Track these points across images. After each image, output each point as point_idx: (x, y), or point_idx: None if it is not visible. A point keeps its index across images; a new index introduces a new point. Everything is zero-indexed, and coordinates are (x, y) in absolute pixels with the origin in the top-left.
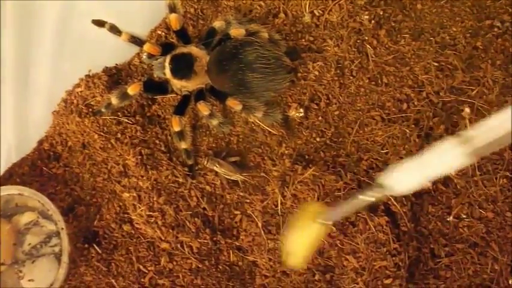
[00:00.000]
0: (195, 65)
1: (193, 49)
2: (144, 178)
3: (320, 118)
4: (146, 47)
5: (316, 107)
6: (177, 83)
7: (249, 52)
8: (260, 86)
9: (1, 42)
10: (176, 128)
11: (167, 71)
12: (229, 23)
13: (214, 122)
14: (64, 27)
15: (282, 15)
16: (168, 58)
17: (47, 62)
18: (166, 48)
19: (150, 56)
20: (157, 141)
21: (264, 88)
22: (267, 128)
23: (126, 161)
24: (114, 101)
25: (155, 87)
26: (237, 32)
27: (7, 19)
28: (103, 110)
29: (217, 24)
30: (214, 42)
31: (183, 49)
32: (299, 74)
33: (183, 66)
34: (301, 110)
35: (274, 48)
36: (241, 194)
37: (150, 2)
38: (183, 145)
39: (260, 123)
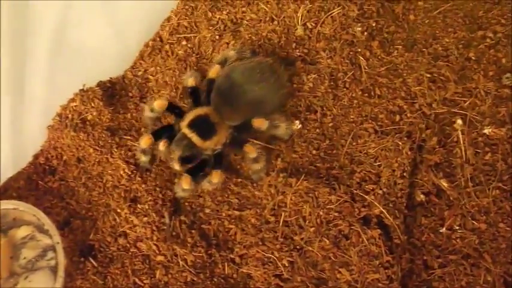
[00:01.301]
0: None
1: (202, 109)
2: (139, 192)
3: (317, 130)
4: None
5: (313, 119)
6: (208, 145)
7: (236, 74)
8: (266, 91)
9: None
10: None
11: (195, 138)
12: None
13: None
14: (58, 41)
15: (274, 27)
16: (186, 127)
17: (42, 76)
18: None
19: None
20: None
21: (270, 90)
22: (265, 145)
23: (121, 175)
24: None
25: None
26: (214, 71)
27: (2, 32)
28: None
29: (213, 73)
30: (205, 93)
31: (197, 111)
32: (294, 85)
33: (205, 127)
34: (297, 122)
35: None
36: (237, 207)
37: (145, 14)
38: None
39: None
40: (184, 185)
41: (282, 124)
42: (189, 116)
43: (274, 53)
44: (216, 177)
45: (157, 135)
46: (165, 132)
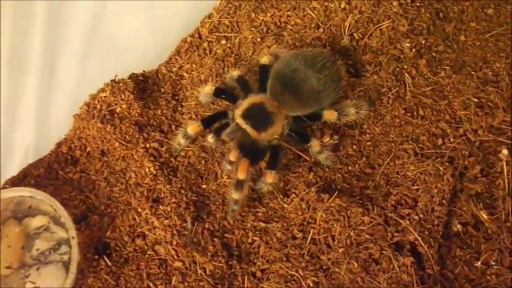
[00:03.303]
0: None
1: (257, 97)
2: (163, 192)
3: (354, 147)
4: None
5: (350, 135)
6: (263, 136)
7: (298, 60)
8: (327, 81)
9: (29, 40)
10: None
11: (249, 130)
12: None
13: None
14: (94, 29)
15: (319, 34)
16: (240, 118)
17: (74, 64)
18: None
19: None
20: (182, 154)
21: (330, 80)
22: (301, 154)
23: (146, 173)
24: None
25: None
26: (266, 58)
27: (36, 18)
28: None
29: (266, 60)
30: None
31: (252, 99)
32: None
33: (261, 117)
34: (336, 137)
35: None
36: (263, 219)
37: (186, 9)
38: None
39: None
40: (240, 173)
41: (351, 108)
42: (244, 105)
43: None
44: (270, 178)
45: (208, 122)
46: (216, 119)
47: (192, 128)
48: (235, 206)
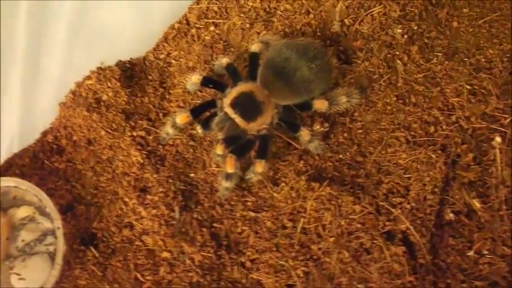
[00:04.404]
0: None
1: (247, 85)
2: (150, 182)
3: (345, 135)
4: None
5: (341, 123)
6: (252, 126)
7: (291, 49)
8: (318, 71)
9: (14, 26)
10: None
11: (238, 120)
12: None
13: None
14: (81, 16)
15: (309, 20)
16: (228, 107)
17: (60, 51)
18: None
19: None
20: (170, 142)
21: (321, 70)
22: (291, 142)
23: (133, 162)
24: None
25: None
26: (257, 46)
27: (21, 7)
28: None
29: (256, 47)
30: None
31: (241, 88)
32: None
33: (250, 106)
34: (327, 125)
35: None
36: (252, 208)
37: None
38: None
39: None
40: (228, 168)
41: (342, 97)
42: (233, 93)
43: None
44: (259, 168)
45: (196, 112)
46: (205, 109)
47: (181, 118)
48: (226, 191)
